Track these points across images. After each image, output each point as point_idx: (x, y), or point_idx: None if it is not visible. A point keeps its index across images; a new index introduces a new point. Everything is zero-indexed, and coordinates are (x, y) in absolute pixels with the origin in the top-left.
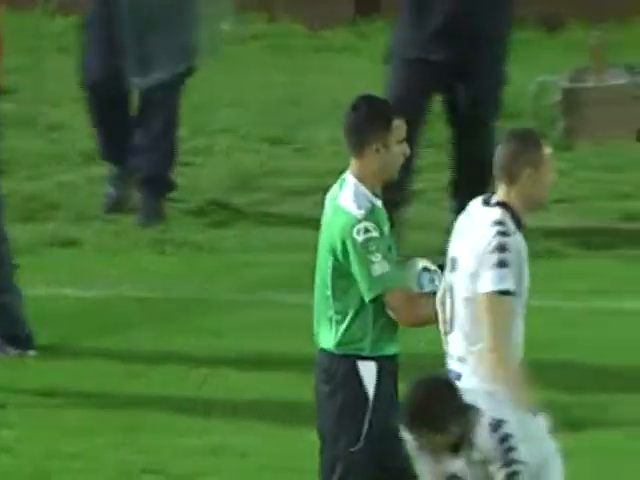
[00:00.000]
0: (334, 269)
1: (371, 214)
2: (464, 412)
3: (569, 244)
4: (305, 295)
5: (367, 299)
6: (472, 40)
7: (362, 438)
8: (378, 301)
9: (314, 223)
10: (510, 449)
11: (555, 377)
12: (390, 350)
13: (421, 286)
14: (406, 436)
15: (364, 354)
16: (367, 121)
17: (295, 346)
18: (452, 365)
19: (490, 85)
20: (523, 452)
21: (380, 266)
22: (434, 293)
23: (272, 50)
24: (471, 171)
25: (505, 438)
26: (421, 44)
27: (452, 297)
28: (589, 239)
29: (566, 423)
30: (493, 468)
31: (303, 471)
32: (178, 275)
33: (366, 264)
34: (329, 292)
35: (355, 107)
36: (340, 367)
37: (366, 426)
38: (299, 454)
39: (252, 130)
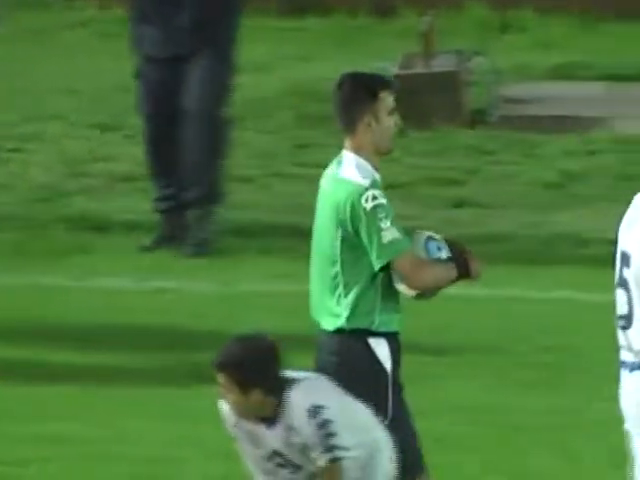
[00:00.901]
0: (343, 242)
1: (376, 183)
2: (272, 381)
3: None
4: None
5: (377, 266)
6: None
7: (389, 412)
8: (387, 269)
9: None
10: (330, 435)
11: None
12: (395, 326)
13: (429, 253)
14: (225, 410)
15: (373, 328)
16: (354, 97)
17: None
18: (627, 357)
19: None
20: (346, 438)
21: (390, 232)
22: (439, 260)
23: (101, 37)
24: (199, 158)
25: (324, 424)
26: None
27: (628, 293)
28: (419, 225)
29: None
30: (315, 454)
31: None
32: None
33: (376, 231)
34: (338, 268)
35: (340, 85)
36: (353, 347)
37: (391, 400)
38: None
39: (82, 117)
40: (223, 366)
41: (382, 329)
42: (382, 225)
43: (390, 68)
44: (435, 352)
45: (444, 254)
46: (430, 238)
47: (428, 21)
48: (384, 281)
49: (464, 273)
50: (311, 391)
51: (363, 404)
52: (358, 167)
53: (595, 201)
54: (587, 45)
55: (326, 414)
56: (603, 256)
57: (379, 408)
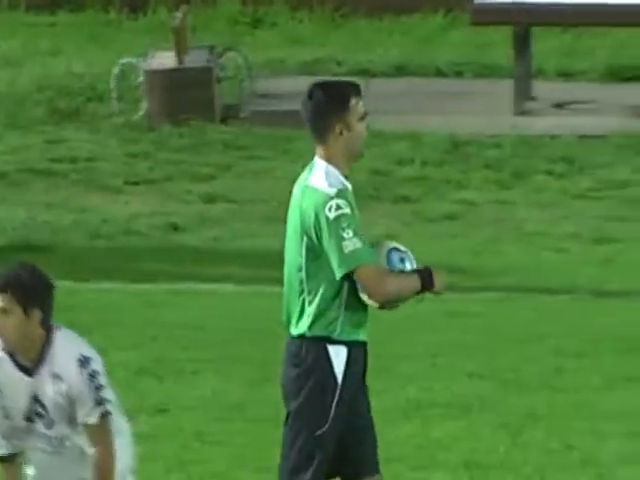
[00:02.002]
0: (308, 250)
1: (342, 192)
2: (50, 309)
3: (152, 226)
4: None
5: (338, 275)
6: None
7: (329, 421)
8: (349, 279)
9: None
10: (100, 387)
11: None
12: (360, 336)
13: (391, 264)
14: None
15: (335, 336)
16: (325, 106)
17: None
18: None
19: None
20: (110, 392)
21: (351, 242)
22: (403, 271)
23: None
24: None
25: (94, 375)
26: None
27: None
28: (174, 221)
29: (146, 408)
30: (84, 410)
31: None
32: None
33: (338, 240)
34: (303, 274)
35: (310, 95)
36: (311, 351)
37: (333, 410)
38: None
39: None
40: (8, 285)
41: (344, 338)
42: (344, 235)
43: (142, 63)
44: (196, 347)
45: (408, 265)
46: (394, 249)
47: (180, 17)
48: (349, 291)
49: (428, 285)
50: (75, 340)
51: (310, 408)
52: (327, 175)
53: None
54: (338, 41)
55: (94, 365)
56: None
57: (322, 413)
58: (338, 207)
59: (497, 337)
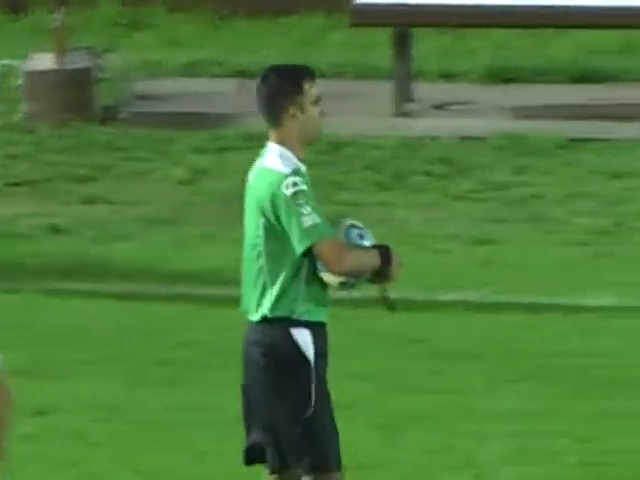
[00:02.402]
0: (266, 230)
1: (297, 171)
2: None
3: (33, 227)
4: None
5: (299, 251)
6: None
7: (313, 401)
8: (309, 256)
9: None
10: None
11: None
12: (320, 317)
13: (349, 240)
14: None
15: (295, 317)
16: (278, 89)
17: None
18: None
19: None
20: None
21: (310, 218)
22: (362, 247)
23: None
24: None
25: None
26: None
27: None
28: (55, 222)
29: (26, 410)
30: None
31: None
32: None
33: (296, 216)
34: (262, 258)
35: (264, 78)
36: (275, 336)
37: (314, 390)
38: None
39: None
40: None
41: (304, 318)
42: (302, 210)
43: (22, 65)
44: (75, 349)
45: (366, 242)
46: (352, 226)
47: (60, 18)
48: (309, 270)
49: (386, 263)
50: None
51: (288, 393)
52: (281, 156)
53: None
54: (218, 42)
55: None
56: None
57: (302, 398)
58: (294, 184)
59: (377, 338)
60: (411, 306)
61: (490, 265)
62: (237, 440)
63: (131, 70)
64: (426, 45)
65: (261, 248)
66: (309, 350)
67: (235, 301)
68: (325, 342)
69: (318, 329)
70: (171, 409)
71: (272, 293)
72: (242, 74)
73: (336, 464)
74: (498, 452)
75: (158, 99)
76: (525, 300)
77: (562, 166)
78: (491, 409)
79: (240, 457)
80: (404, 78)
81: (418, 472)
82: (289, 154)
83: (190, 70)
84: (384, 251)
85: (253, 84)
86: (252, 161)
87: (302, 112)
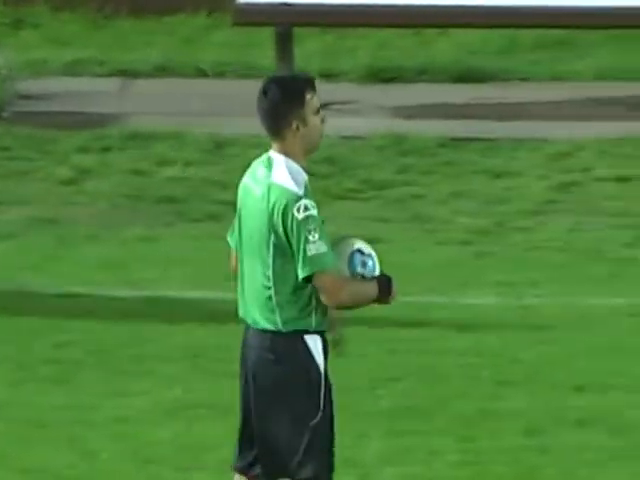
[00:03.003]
0: (275, 247)
1: (307, 190)
2: None
3: None
4: None
5: (300, 277)
6: None
7: (321, 408)
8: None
9: None
10: None
11: None
12: (325, 325)
13: (352, 268)
14: None
15: (311, 330)
16: (281, 102)
17: None
18: None
19: None
20: None
21: (315, 246)
22: (363, 277)
23: None
24: None
25: None
26: None
27: None
28: None
29: None
30: None
31: None
32: None
33: (303, 242)
34: (269, 272)
35: (265, 91)
36: (290, 346)
37: (323, 397)
38: None
39: None
40: None
41: (318, 328)
42: (310, 237)
43: None
44: None
45: (368, 271)
46: (358, 252)
47: None
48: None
49: (384, 295)
50: None
51: (300, 400)
52: (290, 172)
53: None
54: (101, 41)
55: None
56: None
57: (312, 403)
58: (306, 208)
59: None
60: None
61: None
62: (126, 439)
63: (14, 69)
64: (308, 45)
65: (270, 261)
66: (320, 358)
67: (121, 300)
68: (327, 350)
69: (324, 336)
70: (57, 407)
71: (284, 308)
72: (125, 73)
73: (332, 470)
74: (380, 451)
75: (41, 98)
76: (406, 299)
77: (443, 165)
78: (372, 408)
79: (133, 455)
80: None
81: None
82: (296, 167)
83: (73, 69)
84: (384, 283)
85: (136, 83)
86: (135, 160)
87: (304, 125)
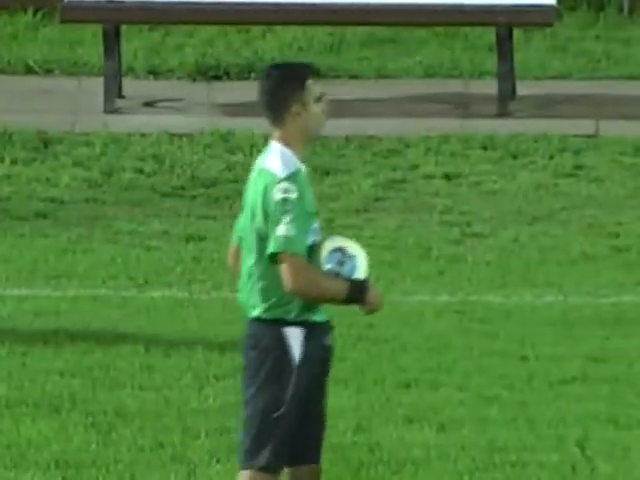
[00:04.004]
0: (257, 231)
1: (295, 176)
2: None
3: None
4: None
5: (266, 255)
6: None
7: (285, 404)
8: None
9: None
10: None
11: None
12: (317, 317)
13: (326, 262)
14: None
15: (290, 318)
16: (281, 87)
17: None
18: None
19: None
20: None
21: (286, 228)
22: (337, 275)
23: None
24: None
25: None
26: None
27: None
28: None
29: None
30: None
31: None
32: None
33: (275, 222)
34: (255, 255)
35: (266, 76)
36: (267, 333)
37: (290, 392)
38: None
39: None
40: None
41: (301, 318)
42: (282, 218)
43: None
44: None
45: (344, 271)
46: (338, 250)
47: None
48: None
49: (355, 299)
50: None
51: (268, 389)
52: (282, 157)
53: None
54: None
55: None
56: None
57: (275, 397)
58: (286, 190)
59: (86, 335)
60: (123, 303)
61: (199, 261)
62: None
63: None
64: (135, 42)
65: (254, 246)
66: (296, 353)
67: None
68: (321, 341)
69: (314, 328)
70: None
71: (264, 293)
72: None
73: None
74: (208, 449)
75: None
76: (232, 296)
77: None
78: (200, 406)
79: None
80: (113, 75)
81: (131, 470)
82: (290, 154)
83: None
84: (355, 287)
85: None
86: None
87: (305, 110)
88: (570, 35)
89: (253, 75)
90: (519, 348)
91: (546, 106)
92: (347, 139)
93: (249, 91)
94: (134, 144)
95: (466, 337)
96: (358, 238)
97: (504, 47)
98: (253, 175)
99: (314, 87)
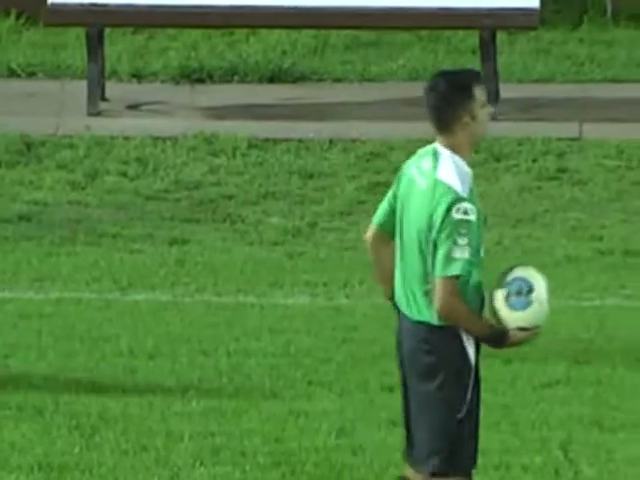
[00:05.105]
0: (434, 243)
1: (472, 193)
2: None
3: None
4: None
5: (436, 274)
6: None
7: (466, 404)
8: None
9: None
10: None
11: None
12: None
13: (506, 285)
14: None
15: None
16: (450, 98)
17: None
18: None
19: None
20: None
21: (460, 250)
22: (507, 297)
23: None
24: None
25: None
26: None
27: None
28: None
29: None
30: None
31: None
32: None
33: (450, 242)
34: (428, 267)
35: (433, 87)
36: (444, 337)
37: (470, 392)
38: None
39: None
40: None
41: None
42: (459, 240)
43: None
44: None
45: (514, 302)
46: (520, 279)
47: None
48: (474, 282)
49: (494, 345)
50: None
51: (445, 391)
52: (457, 169)
53: None
54: None
55: None
56: None
57: (459, 398)
58: (465, 212)
59: (70, 338)
60: (106, 306)
61: (183, 265)
62: None
63: None
64: (119, 45)
65: (428, 257)
66: (473, 356)
67: None
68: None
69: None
70: None
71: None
72: None
73: (474, 464)
74: (191, 452)
75: None
76: (217, 299)
77: (254, 166)
78: (183, 409)
79: None
80: (97, 78)
81: (115, 473)
82: (462, 164)
83: None
84: (496, 335)
85: None
86: None
87: (473, 119)
88: (553, 38)
89: (237, 78)
90: (502, 351)
91: (530, 109)
92: (331, 142)
93: (233, 94)
94: (118, 147)
95: None
96: (341, 241)
97: (487, 50)
98: (420, 181)
99: (480, 94)
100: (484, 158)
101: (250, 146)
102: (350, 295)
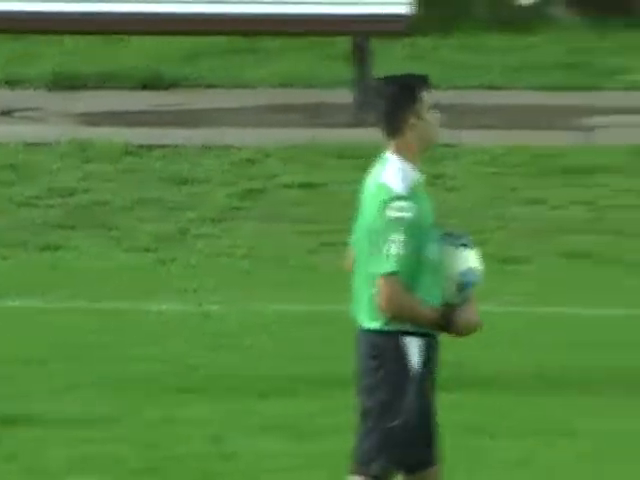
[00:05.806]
0: (372, 245)
1: (412, 192)
2: None
3: None
4: None
5: (380, 273)
6: None
7: (405, 407)
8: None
9: None
10: None
11: None
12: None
13: (466, 285)
14: None
15: (408, 329)
16: (396, 101)
17: None
18: None
19: None
20: None
21: (395, 247)
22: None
23: None
24: None
25: None
26: None
27: None
28: None
29: None
30: None
31: None
32: None
33: (386, 240)
34: (370, 269)
35: (380, 92)
36: (388, 342)
37: (409, 398)
38: None
39: None
40: None
41: (419, 329)
42: (394, 236)
43: None
44: None
45: (462, 295)
46: (470, 271)
47: None
48: (425, 283)
49: (444, 325)
50: None
51: (387, 395)
52: (400, 172)
53: None
54: None
55: None
56: None
57: (397, 401)
58: (401, 209)
59: None
60: None
61: (56, 271)
62: None
63: None
64: None
65: (370, 260)
66: (414, 361)
67: None
68: (434, 351)
69: (429, 339)
70: None
71: None
72: None
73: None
74: (64, 459)
75: None
76: (92, 306)
77: (127, 172)
78: (55, 415)
79: None
80: None
81: None
82: (408, 167)
83: None
84: (442, 315)
85: None
86: None
87: (420, 120)
88: (428, 45)
89: (111, 85)
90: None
91: None
92: (204, 148)
93: (107, 100)
94: None
95: (326, 346)
96: (214, 247)
97: (360, 56)
98: (370, 188)
99: (426, 97)
100: (357, 165)
101: (124, 152)
102: (220, 301)
